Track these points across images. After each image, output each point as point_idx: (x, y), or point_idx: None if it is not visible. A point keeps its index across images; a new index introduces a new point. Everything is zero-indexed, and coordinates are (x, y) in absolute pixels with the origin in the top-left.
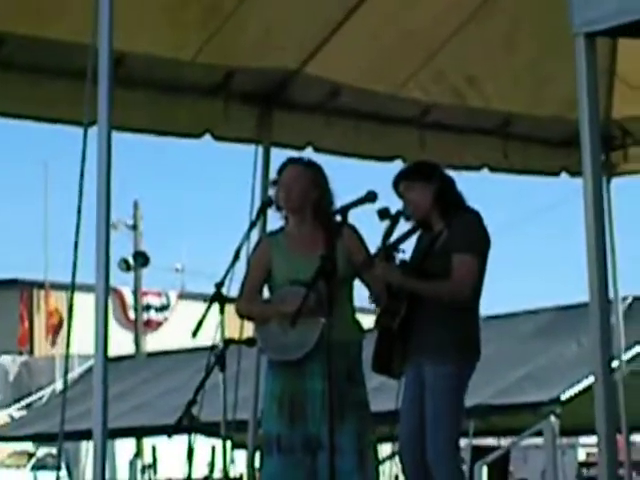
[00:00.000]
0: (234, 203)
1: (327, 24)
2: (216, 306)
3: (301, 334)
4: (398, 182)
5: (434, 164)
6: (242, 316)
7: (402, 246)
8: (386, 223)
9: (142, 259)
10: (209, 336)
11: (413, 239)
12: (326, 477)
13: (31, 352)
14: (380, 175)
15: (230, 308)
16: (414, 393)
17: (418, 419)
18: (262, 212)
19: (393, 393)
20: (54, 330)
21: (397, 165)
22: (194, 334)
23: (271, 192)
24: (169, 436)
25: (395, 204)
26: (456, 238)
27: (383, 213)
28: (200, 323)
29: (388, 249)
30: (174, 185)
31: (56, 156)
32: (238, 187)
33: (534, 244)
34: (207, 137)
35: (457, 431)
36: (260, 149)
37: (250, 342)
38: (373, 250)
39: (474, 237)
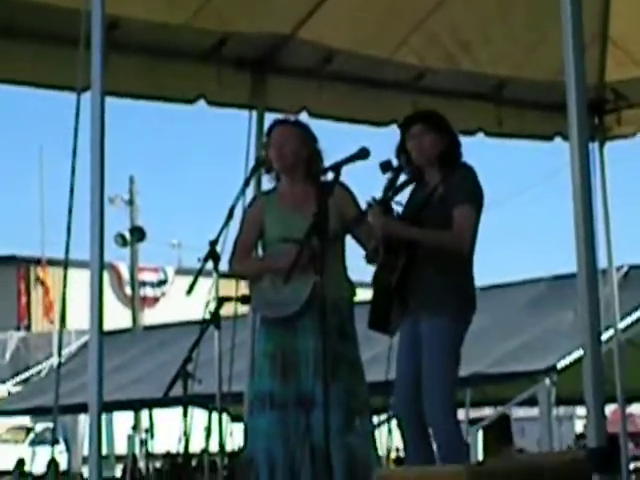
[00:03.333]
0: (231, 177)
1: None
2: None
3: (293, 291)
4: (412, 123)
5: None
6: (235, 274)
7: (398, 198)
8: (388, 176)
9: (138, 234)
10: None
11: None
12: (320, 433)
13: (28, 328)
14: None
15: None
16: (410, 347)
17: (414, 373)
18: (256, 170)
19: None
20: (50, 307)
21: (392, 129)
22: (189, 292)
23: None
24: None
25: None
26: (456, 190)
27: (385, 166)
28: (194, 281)
29: (387, 201)
30: (171, 160)
31: (52, 138)
32: (235, 160)
33: (531, 214)
34: (201, 103)
35: (454, 386)
36: (254, 114)
37: (244, 299)
38: (364, 206)
39: (472, 189)
